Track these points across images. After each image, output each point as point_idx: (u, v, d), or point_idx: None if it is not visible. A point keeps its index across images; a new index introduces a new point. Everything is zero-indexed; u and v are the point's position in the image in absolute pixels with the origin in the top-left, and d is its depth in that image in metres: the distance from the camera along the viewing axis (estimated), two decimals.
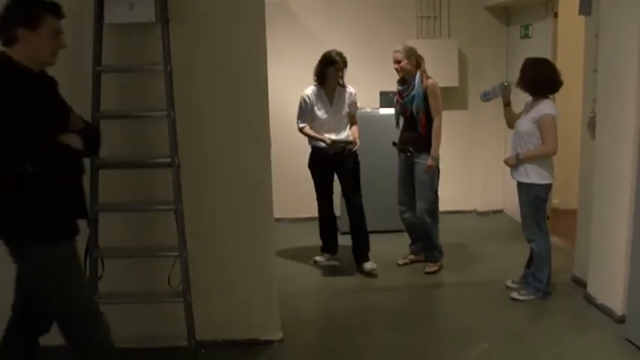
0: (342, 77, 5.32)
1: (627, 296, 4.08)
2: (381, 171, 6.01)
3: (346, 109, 5.37)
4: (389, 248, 5.76)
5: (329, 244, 5.72)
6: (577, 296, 4.72)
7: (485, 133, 6.99)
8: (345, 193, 5.51)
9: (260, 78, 3.85)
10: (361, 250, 5.45)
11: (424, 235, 5.45)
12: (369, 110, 6.34)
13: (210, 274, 3.85)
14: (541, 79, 4.58)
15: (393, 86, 6.11)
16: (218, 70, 3.75)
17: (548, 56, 5.92)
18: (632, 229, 4.01)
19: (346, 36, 6.62)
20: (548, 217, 6.16)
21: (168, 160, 3.52)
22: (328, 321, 4.57)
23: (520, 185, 4.71)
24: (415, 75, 5.22)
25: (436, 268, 5.45)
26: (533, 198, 4.66)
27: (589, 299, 4.60)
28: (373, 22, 6.76)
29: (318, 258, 5.72)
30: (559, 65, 5.92)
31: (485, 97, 4.95)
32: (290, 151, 6.45)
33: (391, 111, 6.33)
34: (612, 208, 4.33)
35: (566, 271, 5.17)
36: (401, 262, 5.63)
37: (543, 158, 4.61)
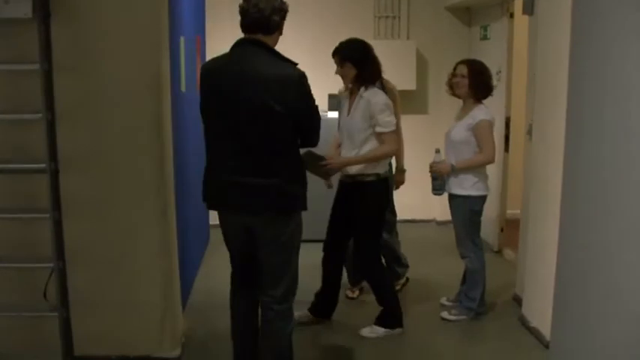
0: (348, 76, 4.11)
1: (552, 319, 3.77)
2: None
3: (359, 122, 4.06)
4: None
5: (327, 308, 4.40)
6: (513, 317, 4.40)
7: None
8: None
9: (156, 76, 3.58)
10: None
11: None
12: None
13: (98, 286, 3.60)
14: (480, 81, 4.29)
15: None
16: (107, 68, 3.49)
17: (504, 58, 5.65)
18: (559, 244, 3.69)
19: (304, 38, 6.35)
20: (502, 230, 5.92)
21: (43, 165, 3.28)
22: None
23: (453, 198, 4.39)
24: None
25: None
26: (469, 211, 4.35)
27: (523, 321, 4.29)
28: (330, 22, 6.46)
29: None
30: (515, 69, 5.67)
31: (438, 189, 4.42)
32: None
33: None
34: (545, 221, 4.01)
35: (510, 288, 4.86)
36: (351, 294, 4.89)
37: (479, 168, 4.31)
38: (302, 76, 3.08)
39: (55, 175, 3.32)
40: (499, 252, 5.88)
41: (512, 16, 5.59)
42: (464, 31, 6.62)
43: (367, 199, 4.10)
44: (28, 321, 3.49)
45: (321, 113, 3.30)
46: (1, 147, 3.45)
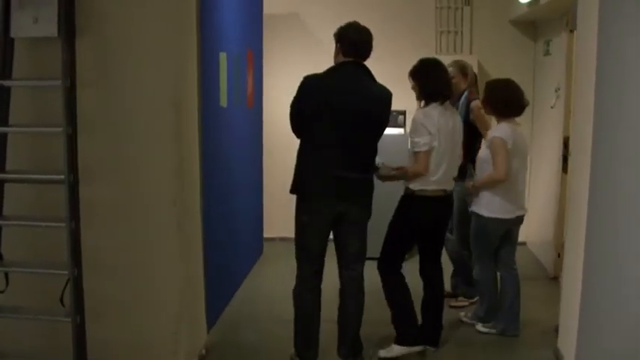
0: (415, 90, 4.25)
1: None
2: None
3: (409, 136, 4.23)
4: None
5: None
6: (548, 350, 4.15)
7: None
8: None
9: (178, 93, 3.69)
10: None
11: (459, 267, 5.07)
12: None
13: (114, 294, 3.67)
14: (493, 100, 4.29)
15: (404, 105, 5.79)
16: (129, 85, 3.60)
17: (562, 75, 5.38)
18: (582, 277, 3.45)
19: None
20: (559, 255, 5.60)
21: (62, 177, 3.43)
22: (264, 352, 4.27)
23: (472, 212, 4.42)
24: (462, 94, 4.84)
25: (465, 303, 5.02)
26: (477, 229, 4.37)
27: (557, 355, 4.03)
28: (392, 38, 6.39)
29: None
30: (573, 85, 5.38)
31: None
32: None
33: (395, 131, 6.02)
34: (579, 245, 3.76)
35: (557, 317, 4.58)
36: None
37: (499, 190, 4.23)
38: (391, 95, 3.85)
39: (73, 186, 3.44)
40: (555, 278, 5.57)
41: (572, 31, 5.30)
42: (528, 45, 6.38)
43: (397, 209, 4.15)
44: (46, 324, 3.65)
45: None
46: (25, 158, 3.63)
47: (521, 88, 4.31)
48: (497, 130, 4.22)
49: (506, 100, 4.23)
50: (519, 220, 4.40)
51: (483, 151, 4.27)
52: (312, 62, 6.46)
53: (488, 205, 4.23)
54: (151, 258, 3.72)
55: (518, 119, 4.41)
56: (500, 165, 4.13)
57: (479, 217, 4.30)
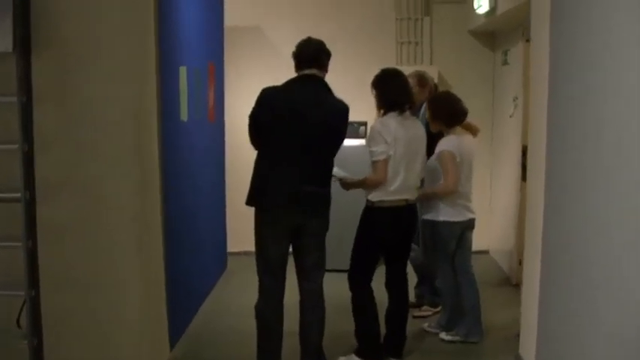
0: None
1: None
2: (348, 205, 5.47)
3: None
4: None
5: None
6: (510, 356, 4.20)
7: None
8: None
9: (137, 107, 3.69)
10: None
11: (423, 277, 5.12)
12: None
13: (74, 313, 3.62)
14: (438, 112, 4.43)
15: (365, 117, 5.83)
16: (87, 101, 3.57)
17: (520, 84, 5.48)
18: (540, 284, 3.51)
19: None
20: (520, 262, 5.67)
21: (18, 195, 3.38)
22: None
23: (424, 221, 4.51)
24: (422, 104, 4.87)
25: (429, 313, 5.04)
26: (434, 236, 4.46)
27: None
28: (350, 47, 6.44)
29: None
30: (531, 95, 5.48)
31: None
32: None
33: (356, 142, 6.06)
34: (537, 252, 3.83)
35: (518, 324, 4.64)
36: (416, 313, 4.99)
37: (445, 197, 4.36)
38: (348, 108, 3.87)
39: (29, 204, 3.39)
40: (517, 285, 5.63)
41: (528, 41, 5.40)
42: (487, 55, 6.49)
43: (360, 222, 4.19)
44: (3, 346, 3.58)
45: None
46: None
47: (450, 99, 4.51)
48: (446, 143, 4.35)
49: (451, 111, 4.42)
50: (471, 223, 4.50)
51: (431, 162, 4.36)
52: (274, 75, 6.47)
53: (438, 211, 4.37)
54: (110, 276, 3.67)
55: (479, 126, 4.73)
56: (450, 178, 4.29)
57: (432, 223, 4.41)
